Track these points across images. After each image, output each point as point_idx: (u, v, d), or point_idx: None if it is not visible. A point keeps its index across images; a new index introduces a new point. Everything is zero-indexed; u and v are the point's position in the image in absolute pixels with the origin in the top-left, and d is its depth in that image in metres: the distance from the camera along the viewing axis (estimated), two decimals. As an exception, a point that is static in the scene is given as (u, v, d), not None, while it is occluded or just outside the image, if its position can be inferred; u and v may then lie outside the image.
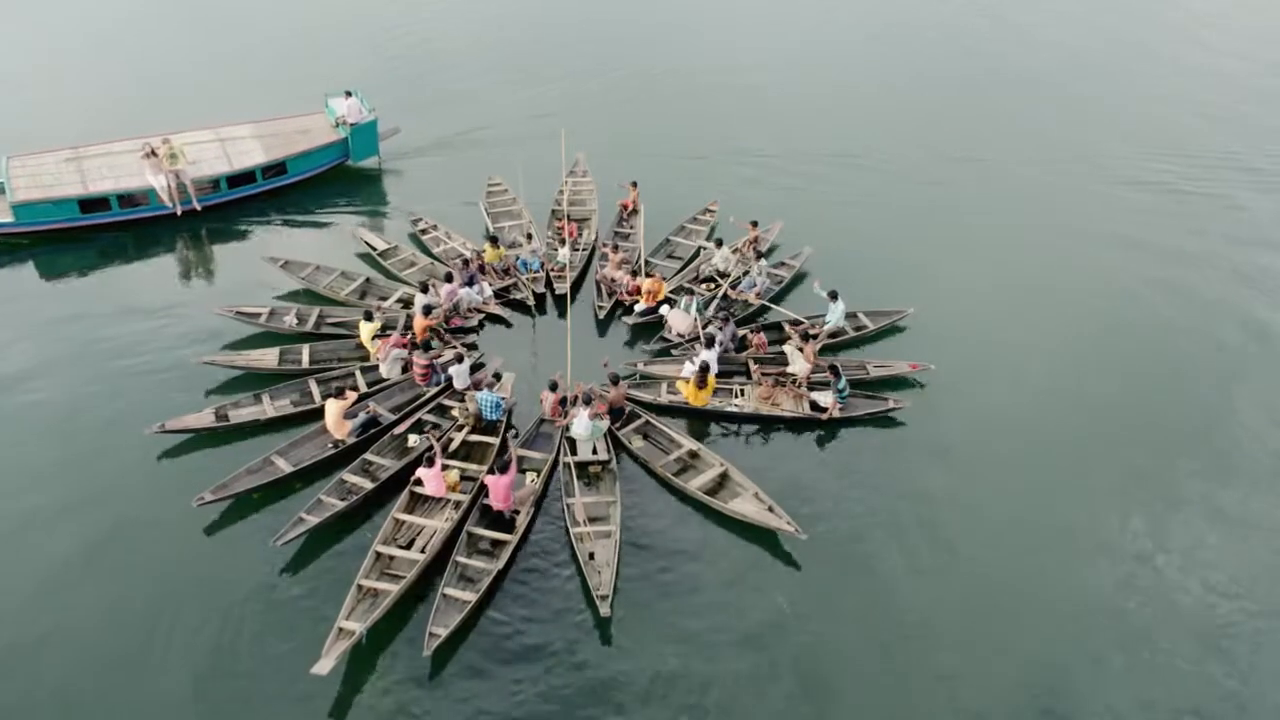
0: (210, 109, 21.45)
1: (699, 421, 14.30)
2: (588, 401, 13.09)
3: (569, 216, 18.49)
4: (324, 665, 9.86)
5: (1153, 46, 29.91)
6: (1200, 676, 10.82)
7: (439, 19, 29.70)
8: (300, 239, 18.48)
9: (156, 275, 17.32)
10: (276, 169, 19.43)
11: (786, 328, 15.61)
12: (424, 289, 15.42)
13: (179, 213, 18.23)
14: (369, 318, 14.75)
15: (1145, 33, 31.00)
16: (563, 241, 17.44)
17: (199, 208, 18.47)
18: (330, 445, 13.04)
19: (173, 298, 16.48)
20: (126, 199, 18.04)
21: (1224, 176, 22.19)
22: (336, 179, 20.50)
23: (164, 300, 16.37)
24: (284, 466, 12.54)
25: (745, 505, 12.38)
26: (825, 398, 14.08)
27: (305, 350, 14.76)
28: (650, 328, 16.02)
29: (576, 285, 16.91)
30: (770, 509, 12.23)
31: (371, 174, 21.04)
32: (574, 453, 13.14)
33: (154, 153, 17.80)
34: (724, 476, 12.95)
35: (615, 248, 17.22)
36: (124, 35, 27.33)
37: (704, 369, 13.79)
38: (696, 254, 17.87)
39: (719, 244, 17.11)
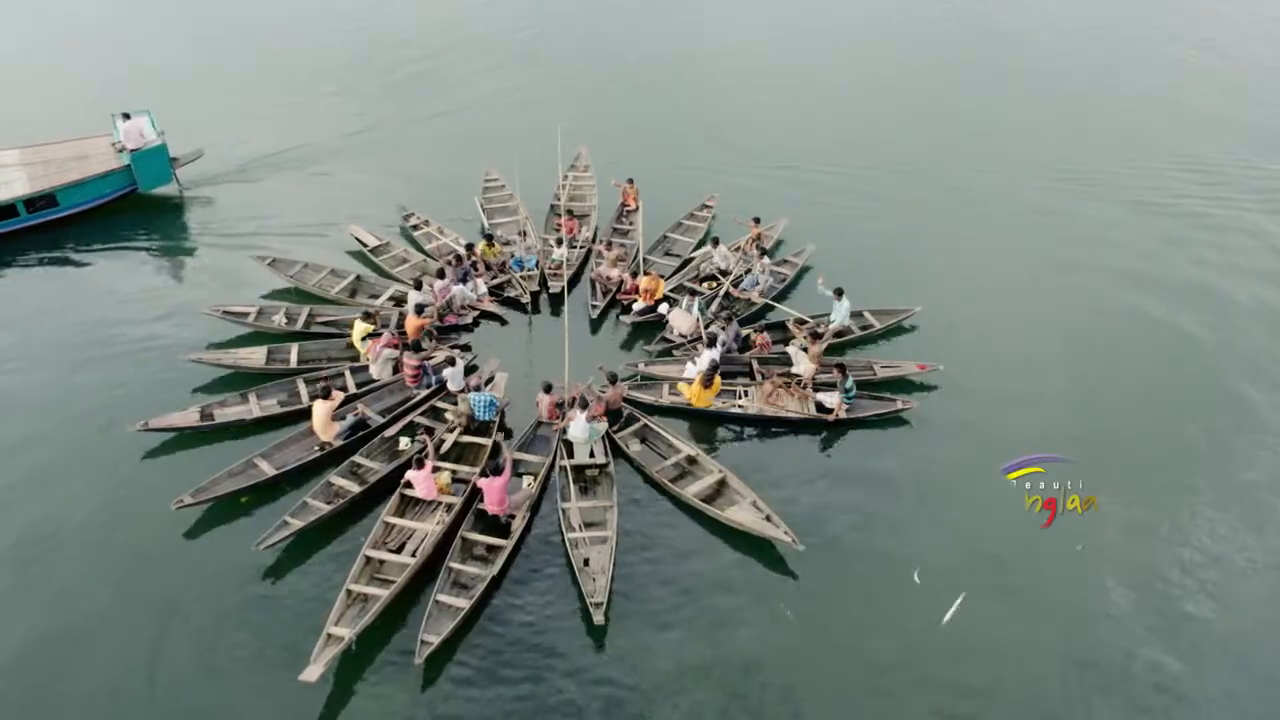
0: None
1: (700, 424, 13.91)
2: (584, 404, 12.69)
3: (569, 212, 18.06)
4: (312, 672, 9.55)
5: (1164, 49, 29.62)
6: (1216, 684, 10.43)
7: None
8: (71, 279, 16.50)
9: (141, 274, 16.90)
10: (45, 201, 17.23)
11: (791, 327, 15.21)
12: (418, 286, 15.06)
13: None
14: (368, 317, 14.36)
15: (1157, 35, 30.72)
16: (559, 240, 17.02)
17: None
18: (316, 448, 12.66)
19: (162, 297, 16.08)
20: None
21: (1234, 182, 21.84)
22: (126, 211, 18.18)
23: (155, 300, 15.99)
24: (267, 469, 12.15)
25: (742, 514, 11.96)
26: (831, 398, 13.68)
27: (294, 349, 14.41)
28: (649, 327, 15.62)
29: (573, 283, 16.49)
30: (768, 518, 11.80)
31: (171, 203, 18.68)
32: (570, 455, 12.74)
33: None
34: (722, 483, 12.55)
35: (610, 244, 16.83)
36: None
37: (714, 367, 13.38)
38: (687, 264, 17.13)
39: (715, 243, 16.70)
